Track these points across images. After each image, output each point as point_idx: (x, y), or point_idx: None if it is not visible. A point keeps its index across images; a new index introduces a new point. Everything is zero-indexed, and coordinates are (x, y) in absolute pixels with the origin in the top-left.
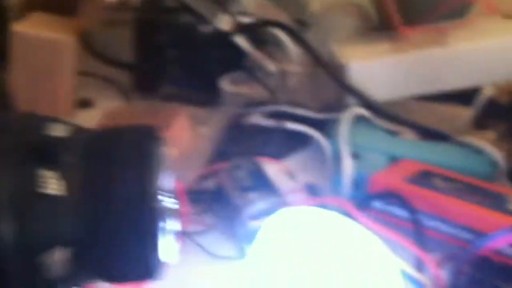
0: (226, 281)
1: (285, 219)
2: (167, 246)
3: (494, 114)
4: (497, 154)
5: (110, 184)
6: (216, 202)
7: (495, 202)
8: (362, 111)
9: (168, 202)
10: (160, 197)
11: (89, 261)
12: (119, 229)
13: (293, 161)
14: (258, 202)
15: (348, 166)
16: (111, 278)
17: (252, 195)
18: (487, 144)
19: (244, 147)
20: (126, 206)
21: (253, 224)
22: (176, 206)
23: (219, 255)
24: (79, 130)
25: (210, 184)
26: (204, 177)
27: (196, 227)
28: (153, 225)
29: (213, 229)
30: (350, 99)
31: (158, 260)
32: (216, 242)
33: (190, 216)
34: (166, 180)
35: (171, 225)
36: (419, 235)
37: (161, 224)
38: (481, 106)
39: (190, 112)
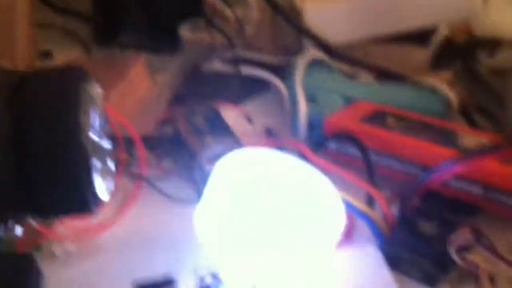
0: (185, 223)
1: (238, 159)
2: (102, 183)
3: (450, 54)
4: (451, 93)
5: (37, 121)
6: (174, 147)
7: (447, 139)
8: (319, 54)
9: (100, 140)
10: (91, 134)
11: (22, 197)
12: (49, 165)
13: (252, 106)
14: (215, 146)
15: (303, 108)
16: (45, 214)
17: (209, 139)
18: (441, 83)
19: (203, 93)
20: (54, 142)
21: (210, 167)
22: (109, 146)
23: (178, 198)
24: (5, 73)
25: (168, 130)
26: (162, 123)
27: (154, 172)
28: (83, 160)
29: (171, 174)
30: (308, 43)
31: (92, 195)
32: (174, 186)
33: (148, 161)
34: (100, 120)
35: (105, 163)
36: (370, 173)
37: (93, 161)
38: (437, 45)
39: (148, 60)
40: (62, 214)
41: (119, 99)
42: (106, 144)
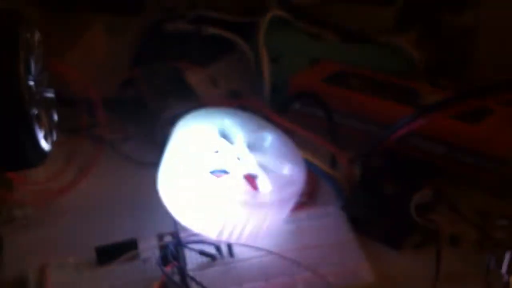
0: (147, 186)
1: (198, 118)
2: (43, 133)
3: (414, 13)
4: (415, 53)
5: None
6: (135, 109)
7: (409, 97)
8: (282, 13)
9: (41, 89)
10: (30, 82)
11: None
12: None
13: (216, 68)
14: (176, 107)
15: (266, 69)
16: None
17: (171, 101)
18: (406, 43)
19: (166, 54)
20: None
21: (171, 128)
22: (51, 95)
23: (140, 161)
24: None
25: (130, 91)
26: (124, 84)
27: (116, 134)
28: (21, 109)
29: (133, 136)
30: (271, 2)
31: (33, 145)
32: (136, 149)
33: (110, 124)
34: (41, 68)
35: (47, 112)
36: (333, 133)
37: (33, 110)
38: (401, 5)
39: (107, 21)
40: (2, 165)
41: (77, 60)
42: (49, 94)
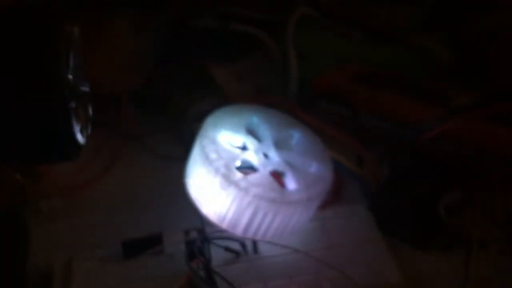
0: (172, 180)
1: (225, 114)
2: (80, 126)
3: (443, 14)
4: (444, 53)
5: (16, 60)
6: (161, 105)
7: (437, 98)
8: (310, 11)
9: (78, 83)
10: (69, 76)
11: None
12: (26, 105)
13: (242, 65)
14: (202, 103)
15: (294, 67)
16: (23, 158)
17: (197, 97)
18: (434, 43)
19: (192, 50)
20: (32, 83)
21: (197, 124)
22: (87, 89)
23: (165, 156)
24: None
25: (155, 87)
26: (149, 81)
27: (142, 130)
28: (61, 101)
29: (159, 131)
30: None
31: (70, 137)
32: (162, 143)
33: (136, 118)
34: (79, 62)
35: (83, 106)
36: (360, 133)
37: (72, 103)
38: (430, 5)
39: (133, 16)
40: (39, 158)
41: (104, 55)
42: (85, 88)
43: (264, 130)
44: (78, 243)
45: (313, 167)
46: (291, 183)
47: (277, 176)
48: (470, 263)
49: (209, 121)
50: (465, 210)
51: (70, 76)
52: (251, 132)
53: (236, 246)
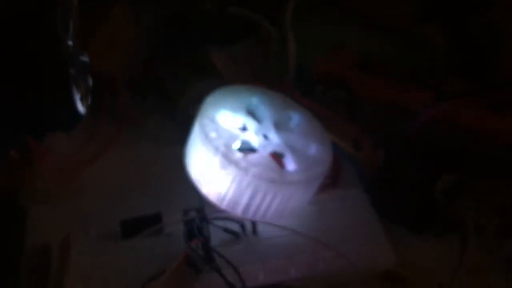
0: (169, 163)
1: (225, 95)
2: (81, 96)
3: (440, 6)
4: (440, 44)
5: (15, 23)
6: (159, 88)
7: (434, 87)
8: None
9: (79, 53)
10: (69, 42)
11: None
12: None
13: (239, 49)
14: (201, 84)
15: (292, 52)
16: (29, 127)
17: (195, 79)
18: (431, 34)
19: (190, 35)
20: (33, 49)
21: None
22: (87, 59)
23: (162, 138)
24: None
25: (154, 71)
26: (147, 65)
27: (138, 112)
28: (61, 68)
29: (156, 114)
30: None
31: (71, 107)
32: (159, 126)
33: (133, 101)
34: (75, 31)
35: (83, 75)
36: (357, 117)
37: (72, 70)
38: None
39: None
40: (40, 125)
41: (102, 40)
42: (85, 58)
43: (264, 111)
44: (75, 224)
45: (313, 149)
46: (290, 164)
47: (276, 157)
48: (465, 247)
49: (209, 100)
50: (460, 195)
51: (70, 42)
52: (251, 113)
53: (235, 227)
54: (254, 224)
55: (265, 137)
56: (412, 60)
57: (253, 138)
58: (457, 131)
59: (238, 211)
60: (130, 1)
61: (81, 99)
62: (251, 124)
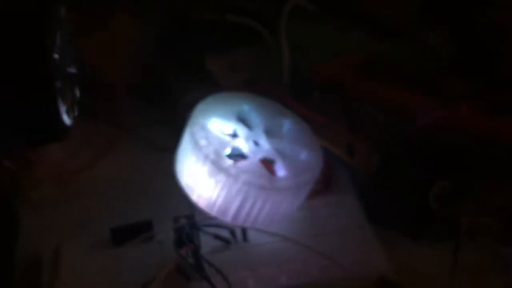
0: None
1: (216, 102)
2: (66, 107)
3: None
4: (443, 48)
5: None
6: (157, 95)
7: (434, 91)
8: (305, 3)
9: (66, 65)
10: (55, 55)
11: None
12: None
13: (236, 55)
14: (195, 92)
15: (286, 57)
16: (15, 140)
17: (190, 86)
18: (434, 38)
19: (188, 41)
20: (19, 62)
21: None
22: (74, 71)
23: (158, 146)
24: None
25: (152, 77)
26: (146, 71)
27: (136, 120)
28: (47, 80)
29: (153, 122)
30: None
31: (56, 116)
32: (156, 133)
33: (131, 108)
34: (67, 44)
35: (70, 88)
36: (352, 122)
37: (58, 83)
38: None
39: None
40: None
41: (101, 46)
42: (73, 69)
43: (255, 118)
44: (68, 230)
45: (303, 155)
46: (281, 171)
47: (267, 163)
48: (459, 252)
49: (200, 108)
50: (456, 199)
51: (56, 56)
52: (242, 119)
53: (225, 233)
54: (244, 230)
55: (256, 143)
56: (414, 62)
57: (244, 144)
58: (457, 133)
59: (228, 218)
60: (129, 7)
61: (67, 111)
62: (241, 130)
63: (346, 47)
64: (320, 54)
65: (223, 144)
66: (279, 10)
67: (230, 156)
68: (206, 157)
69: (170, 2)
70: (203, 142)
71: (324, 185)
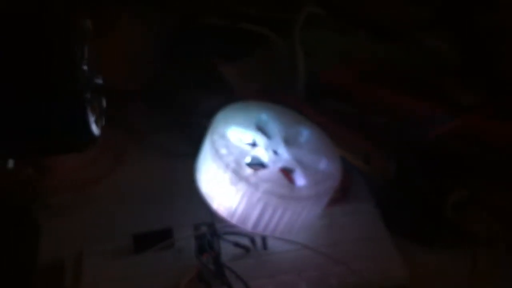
0: (180, 177)
1: (235, 110)
2: (95, 118)
3: (450, 12)
4: (451, 53)
5: (33, 51)
6: (170, 101)
7: (445, 98)
8: (317, 9)
9: (92, 75)
10: (84, 67)
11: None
12: (44, 96)
13: (248, 62)
14: (211, 100)
15: (301, 65)
16: (40, 148)
17: (205, 94)
18: (440, 42)
19: (200, 47)
20: (49, 74)
21: (206, 121)
22: (101, 81)
23: (174, 152)
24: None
25: (163, 84)
26: (156, 77)
27: (149, 126)
28: (77, 92)
29: (167, 129)
30: None
31: (85, 127)
32: (170, 140)
33: (145, 115)
34: (92, 56)
35: (97, 98)
36: (366, 130)
37: (87, 94)
38: (440, 4)
39: (139, 14)
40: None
41: (110, 52)
42: (99, 80)
43: (274, 127)
44: (88, 237)
45: (322, 164)
46: (300, 180)
47: (286, 172)
48: (476, 260)
49: (219, 117)
50: (471, 208)
51: (85, 67)
52: (261, 128)
53: (245, 241)
54: (264, 238)
55: (275, 152)
56: (420, 69)
57: (263, 153)
58: (468, 142)
59: (248, 226)
60: (140, 12)
61: (96, 121)
62: (260, 140)
63: (354, 53)
64: (328, 60)
65: (243, 153)
66: (290, 17)
67: (250, 165)
68: (227, 166)
69: (180, 7)
70: (223, 151)
71: (341, 193)
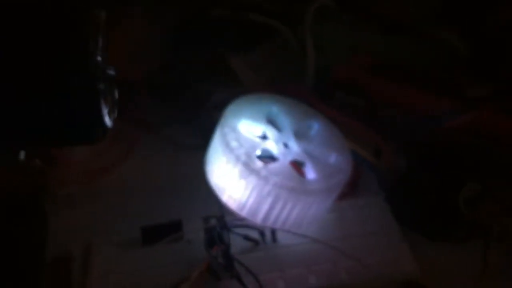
0: (188, 168)
1: (246, 103)
2: (107, 109)
3: (460, 7)
4: (461, 46)
5: (48, 41)
6: (179, 93)
7: (455, 92)
8: (328, 2)
9: (105, 66)
10: (98, 58)
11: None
12: (58, 88)
13: (257, 54)
14: (220, 92)
15: (311, 57)
16: (53, 138)
17: (214, 86)
18: (450, 35)
19: (209, 39)
20: (63, 65)
21: (216, 114)
22: (113, 73)
23: (183, 144)
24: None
25: (171, 76)
26: (165, 69)
27: (158, 118)
28: (90, 81)
29: (175, 119)
30: None
31: (99, 118)
32: (179, 132)
33: (153, 107)
34: (104, 47)
35: (110, 89)
36: (376, 124)
37: (101, 85)
38: None
39: (146, 5)
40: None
41: (118, 43)
42: (111, 71)
43: (284, 120)
44: (97, 229)
45: (332, 158)
46: (310, 173)
47: (296, 166)
48: (488, 255)
49: (230, 109)
50: (483, 202)
51: (99, 58)
52: (271, 121)
53: (255, 234)
54: (274, 232)
55: (285, 145)
56: (430, 62)
57: (273, 146)
58: (480, 136)
59: (258, 219)
60: (145, 5)
61: (109, 113)
62: (271, 132)
63: (364, 46)
64: (339, 53)
65: (254, 146)
66: (301, 9)
67: (260, 158)
68: (237, 158)
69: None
70: (234, 143)
71: (351, 187)
